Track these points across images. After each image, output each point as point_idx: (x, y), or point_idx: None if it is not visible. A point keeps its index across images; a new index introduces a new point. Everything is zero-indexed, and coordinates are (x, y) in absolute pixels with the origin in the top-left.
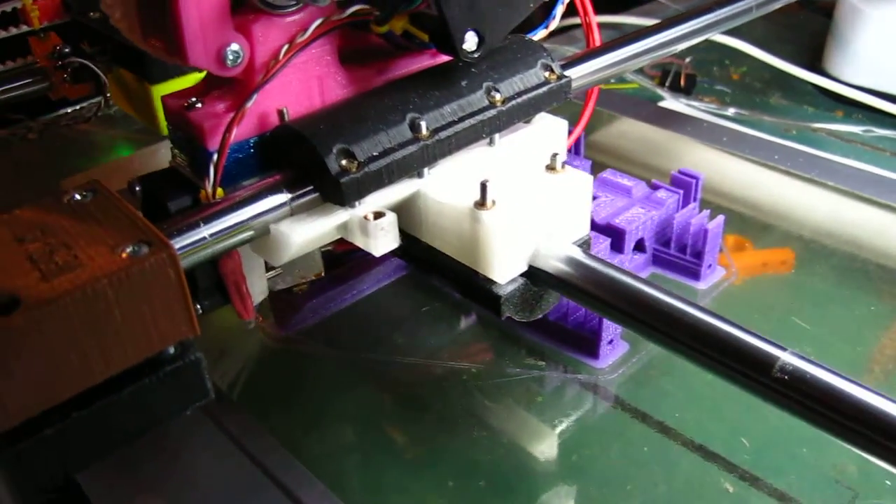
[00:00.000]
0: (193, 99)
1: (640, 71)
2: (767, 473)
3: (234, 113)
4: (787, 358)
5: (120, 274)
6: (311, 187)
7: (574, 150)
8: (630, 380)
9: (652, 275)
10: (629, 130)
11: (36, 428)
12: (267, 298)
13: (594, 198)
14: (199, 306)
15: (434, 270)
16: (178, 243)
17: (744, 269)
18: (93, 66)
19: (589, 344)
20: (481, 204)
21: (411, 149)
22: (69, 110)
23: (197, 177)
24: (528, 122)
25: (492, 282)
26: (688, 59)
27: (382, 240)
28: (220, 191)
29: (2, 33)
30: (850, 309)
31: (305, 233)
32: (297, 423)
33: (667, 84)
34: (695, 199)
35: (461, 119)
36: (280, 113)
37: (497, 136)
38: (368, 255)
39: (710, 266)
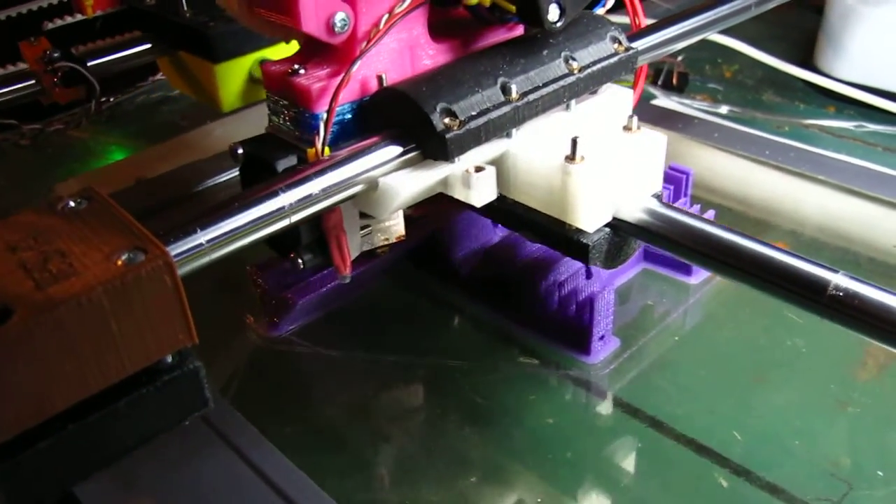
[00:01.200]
0: (296, 66)
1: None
2: (760, 467)
3: (338, 77)
4: (838, 280)
5: (115, 282)
6: (413, 145)
7: None
8: (622, 375)
9: (643, 271)
10: None
11: (31, 440)
12: (259, 300)
13: None
14: (301, 261)
15: (521, 225)
16: (294, 196)
17: None
18: (83, 70)
19: (580, 340)
20: (572, 158)
21: (504, 109)
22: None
23: (299, 139)
24: (594, 93)
25: (580, 232)
26: (680, 58)
27: (483, 191)
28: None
29: (57, 21)
30: None
31: (411, 186)
32: (289, 422)
33: (659, 82)
34: (685, 195)
35: (545, 84)
36: (379, 79)
37: (573, 102)
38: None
39: None
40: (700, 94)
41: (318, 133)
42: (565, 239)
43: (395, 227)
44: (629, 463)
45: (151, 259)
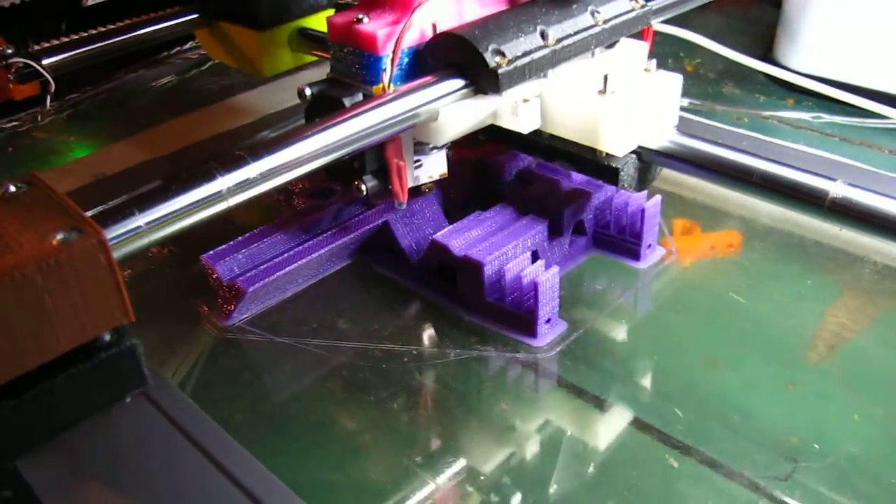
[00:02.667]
0: (360, 16)
1: None
2: (700, 442)
3: (399, 24)
4: (836, 188)
5: (49, 259)
6: (468, 81)
7: None
8: (567, 357)
9: (592, 257)
10: None
11: None
12: (212, 290)
13: (532, 183)
14: (364, 187)
15: (556, 155)
16: (365, 122)
17: (692, 252)
18: (37, 67)
19: (527, 323)
20: (603, 91)
21: (543, 52)
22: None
23: (363, 81)
24: (613, 45)
25: (611, 157)
26: None
27: (530, 119)
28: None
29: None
30: (787, 284)
31: (466, 116)
32: (240, 409)
33: None
34: None
35: (576, 33)
36: (433, 26)
37: (598, 50)
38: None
39: (649, 246)
40: None
41: (384, 71)
42: (597, 165)
43: (440, 164)
44: (572, 441)
45: (86, 238)
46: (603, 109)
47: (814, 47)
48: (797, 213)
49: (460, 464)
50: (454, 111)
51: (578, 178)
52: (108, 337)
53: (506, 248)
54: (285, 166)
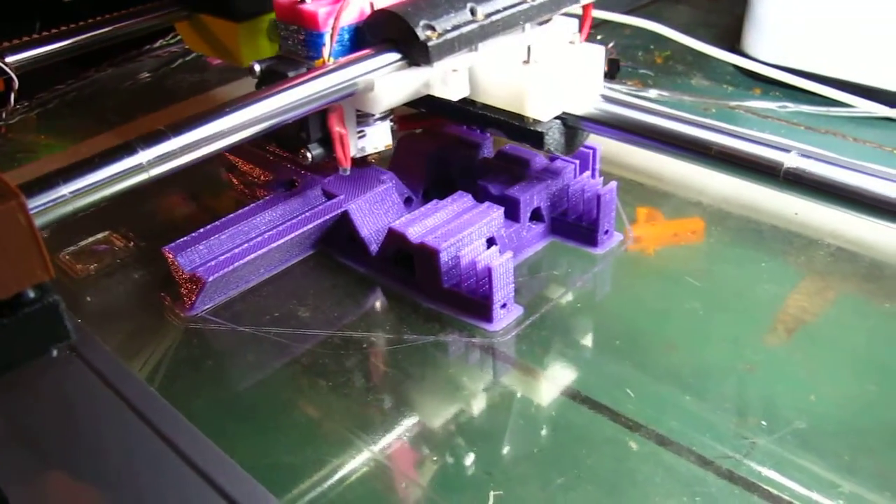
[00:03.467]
0: None
1: None
2: (650, 420)
3: (338, 4)
4: (790, 160)
5: None
6: (401, 55)
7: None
8: (523, 340)
9: (551, 243)
10: None
11: None
12: (174, 281)
13: (491, 171)
14: (309, 155)
15: (489, 123)
16: (321, 85)
17: (654, 240)
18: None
19: (482, 309)
20: (527, 61)
21: (472, 26)
22: None
23: (307, 57)
24: (546, 22)
25: (536, 122)
26: (611, 44)
27: (458, 87)
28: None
29: None
30: (744, 268)
31: (399, 86)
32: (200, 396)
33: None
34: (592, 169)
35: (504, 9)
36: (371, 4)
37: (528, 25)
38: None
39: (606, 232)
40: (631, 79)
41: (325, 46)
42: (524, 130)
43: (384, 136)
44: (525, 420)
45: (4, 201)
46: (527, 78)
47: (780, 38)
48: (756, 199)
49: (412, 441)
50: (389, 82)
51: (536, 166)
52: (31, 294)
53: (462, 235)
54: (205, 140)
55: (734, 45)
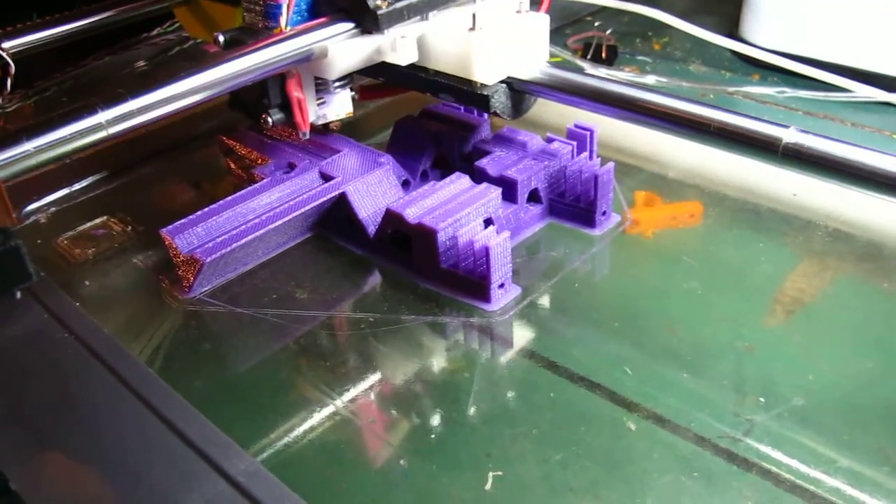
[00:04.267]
0: None
1: (563, 45)
2: (647, 399)
3: None
4: (789, 135)
5: None
6: (354, 23)
7: (478, 110)
8: (520, 320)
9: (549, 225)
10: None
11: None
12: (172, 265)
13: (489, 153)
14: (270, 120)
15: (440, 88)
16: (274, 53)
17: (653, 223)
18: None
19: (480, 289)
20: (473, 28)
21: None
22: None
23: (267, 27)
24: None
25: (483, 86)
26: (609, 31)
27: (406, 53)
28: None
29: None
30: (742, 249)
31: (352, 53)
32: (199, 377)
33: (588, 56)
34: (589, 150)
35: None
36: None
37: None
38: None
39: (604, 213)
40: (629, 66)
41: (282, 16)
42: (472, 94)
43: (345, 103)
44: (523, 401)
45: None
46: (472, 44)
47: (778, 23)
48: (752, 180)
49: (411, 423)
50: (342, 49)
51: (534, 148)
52: None
53: (459, 216)
54: (161, 102)
55: (732, 31)
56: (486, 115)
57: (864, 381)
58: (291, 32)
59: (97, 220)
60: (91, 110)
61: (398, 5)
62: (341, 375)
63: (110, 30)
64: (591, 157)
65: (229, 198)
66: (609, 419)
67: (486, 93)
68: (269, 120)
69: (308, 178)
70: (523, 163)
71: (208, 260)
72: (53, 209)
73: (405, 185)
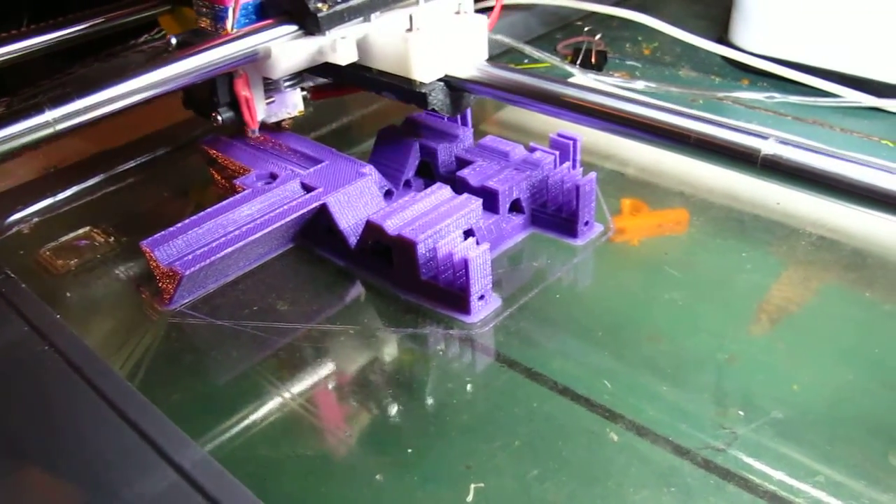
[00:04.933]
0: None
1: (553, 50)
2: (627, 411)
3: None
4: (768, 146)
5: None
6: (297, 25)
7: (461, 119)
8: (501, 332)
9: (531, 235)
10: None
11: None
12: (153, 275)
13: (471, 162)
14: (220, 118)
15: (382, 87)
16: (219, 53)
17: (639, 231)
18: None
19: (460, 300)
20: (409, 29)
21: None
22: None
23: (214, 28)
24: None
25: (421, 84)
26: (598, 37)
27: (346, 53)
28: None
29: None
30: (725, 258)
31: (294, 53)
32: (177, 390)
33: (578, 62)
34: (572, 159)
35: None
36: None
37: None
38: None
39: (586, 223)
40: (619, 71)
41: (227, 19)
42: (409, 92)
43: (296, 102)
44: (502, 412)
45: None
46: (410, 44)
47: (767, 28)
48: (735, 188)
49: (390, 436)
50: (285, 49)
51: (516, 158)
52: None
53: (439, 227)
54: (108, 101)
55: (722, 36)
56: (469, 125)
57: (845, 392)
58: (237, 34)
59: (80, 231)
60: (38, 109)
61: (338, 8)
62: (320, 389)
63: (99, 37)
64: (574, 167)
65: (210, 209)
66: (588, 431)
67: (423, 90)
68: (219, 118)
69: (289, 189)
70: (505, 173)
71: (188, 273)
72: (36, 219)
73: (388, 194)
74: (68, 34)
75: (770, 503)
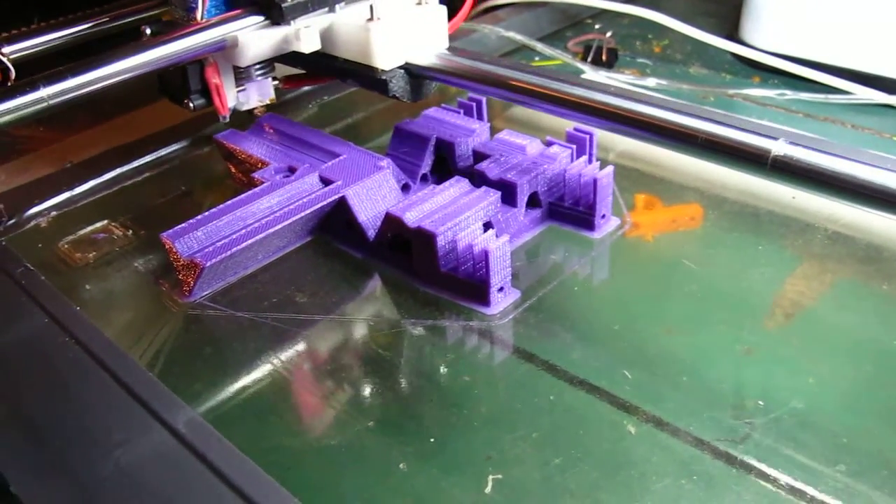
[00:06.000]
0: None
1: (564, 48)
2: (647, 402)
3: None
4: (778, 147)
5: None
6: (263, 15)
7: (477, 114)
8: (520, 324)
9: (548, 228)
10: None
11: None
12: (173, 269)
13: (488, 156)
14: (191, 105)
15: (347, 75)
16: (188, 42)
17: (653, 225)
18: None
19: (480, 292)
20: (370, 19)
21: None
22: None
23: (187, 19)
24: None
25: (382, 71)
26: (609, 34)
27: (308, 41)
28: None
29: None
30: (741, 252)
31: (260, 41)
32: (198, 380)
33: (589, 59)
34: (588, 154)
35: None
36: None
37: None
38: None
39: (603, 216)
40: (629, 69)
41: (197, 9)
42: (372, 79)
43: (267, 90)
44: (521, 403)
45: None
46: (371, 32)
47: (778, 25)
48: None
49: (411, 426)
50: (251, 38)
51: (532, 152)
52: None
53: (459, 219)
54: (99, 79)
55: (732, 33)
56: (485, 119)
57: (863, 384)
58: (205, 24)
59: (98, 224)
60: (33, 86)
61: None
62: (341, 380)
63: (106, 35)
64: (590, 161)
65: (229, 202)
66: (608, 422)
67: (384, 77)
68: (191, 105)
69: (308, 182)
70: (523, 166)
71: (208, 264)
72: (54, 213)
73: (405, 188)
74: (80, 31)
75: (790, 494)
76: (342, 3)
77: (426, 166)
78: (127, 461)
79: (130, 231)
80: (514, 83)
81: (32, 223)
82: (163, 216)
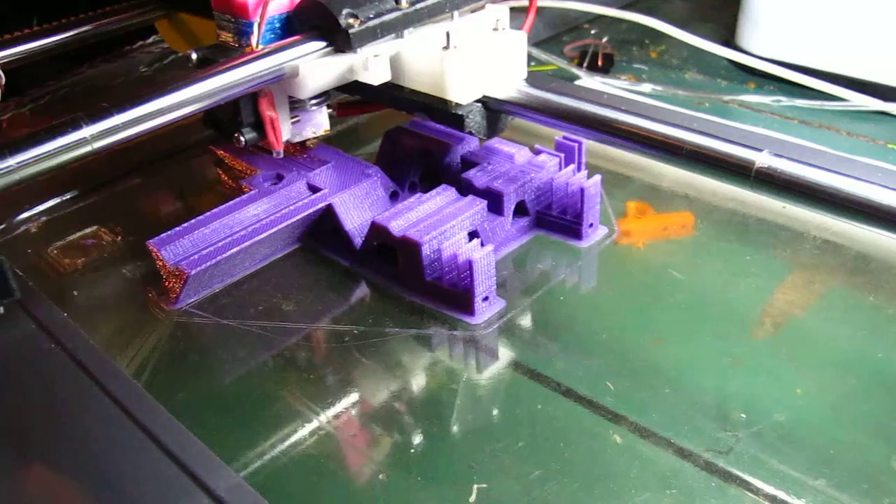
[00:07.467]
0: None
1: (560, 53)
2: (630, 412)
3: None
4: (762, 159)
5: None
6: (326, 42)
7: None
8: (504, 333)
9: (536, 237)
10: None
11: None
12: (159, 275)
13: (476, 164)
14: (242, 139)
15: (416, 108)
16: (244, 72)
17: (644, 233)
18: None
19: (464, 301)
20: (446, 47)
21: (395, 14)
22: None
23: (239, 44)
24: (478, 10)
25: (458, 105)
26: (605, 39)
27: (378, 72)
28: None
29: None
30: (729, 261)
31: (324, 72)
32: (183, 389)
33: (585, 64)
34: (577, 163)
35: None
36: None
37: (457, 13)
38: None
39: (591, 225)
40: (625, 74)
41: (253, 34)
42: (446, 113)
43: (321, 121)
44: (506, 413)
45: None
46: (446, 63)
47: (774, 32)
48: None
49: (394, 436)
50: (313, 68)
51: (520, 160)
52: None
53: (444, 228)
54: (147, 116)
55: (729, 39)
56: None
57: (848, 397)
58: (262, 51)
59: (87, 230)
60: (76, 125)
61: (370, 24)
62: (325, 388)
63: (106, 38)
64: (578, 169)
65: (216, 209)
66: (591, 433)
67: (460, 112)
68: (242, 139)
69: (295, 190)
70: (510, 175)
71: (194, 272)
72: (44, 218)
73: (393, 196)
74: (74, 35)
75: None
76: (410, 29)
77: (415, 174)
78: (110, 469)
79: (119, 237)
80: (601, 122)
81: (21, 228)
82: (152, 222)
